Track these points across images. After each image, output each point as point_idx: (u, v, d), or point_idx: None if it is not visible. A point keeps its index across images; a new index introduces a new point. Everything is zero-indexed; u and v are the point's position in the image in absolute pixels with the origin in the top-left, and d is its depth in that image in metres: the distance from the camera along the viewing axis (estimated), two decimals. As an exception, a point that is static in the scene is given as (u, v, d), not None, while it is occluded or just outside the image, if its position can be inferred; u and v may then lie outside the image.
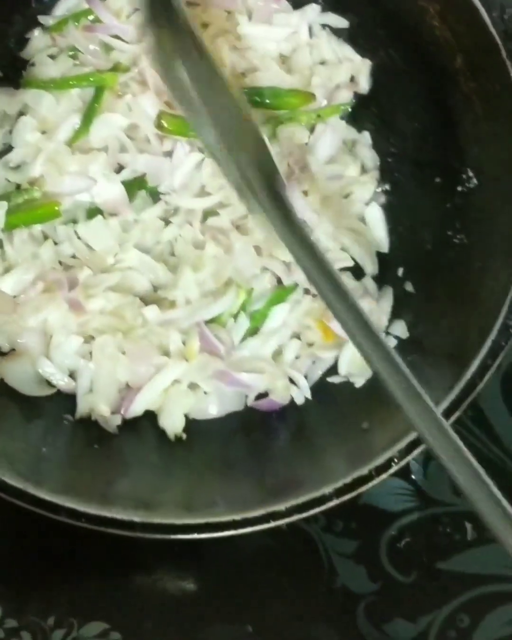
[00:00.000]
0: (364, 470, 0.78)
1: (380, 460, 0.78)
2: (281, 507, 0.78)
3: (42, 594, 1.00)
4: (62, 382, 0.90)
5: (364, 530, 1.01)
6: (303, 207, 0.90)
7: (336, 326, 0.88)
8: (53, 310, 0.87)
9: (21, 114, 0.97)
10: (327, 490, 0.78)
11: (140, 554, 1.01)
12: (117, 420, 0.89)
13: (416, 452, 0.78)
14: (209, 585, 1.01)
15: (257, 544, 1.01)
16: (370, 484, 0.78)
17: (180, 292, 0.91)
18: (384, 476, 0.78)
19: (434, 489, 1.02)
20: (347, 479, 0.78)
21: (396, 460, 0.78)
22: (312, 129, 0.96)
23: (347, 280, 0.93)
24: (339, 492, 0.78)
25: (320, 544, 1.01)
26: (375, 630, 0.99)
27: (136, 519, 0.78)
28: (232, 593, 1.00)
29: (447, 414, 0.78)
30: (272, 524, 0.78)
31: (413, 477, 1.02)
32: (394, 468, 0.78)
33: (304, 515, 0.78)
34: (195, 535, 0.78)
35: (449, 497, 1.01)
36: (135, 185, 0.95)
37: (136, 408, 0.89)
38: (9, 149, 0.97)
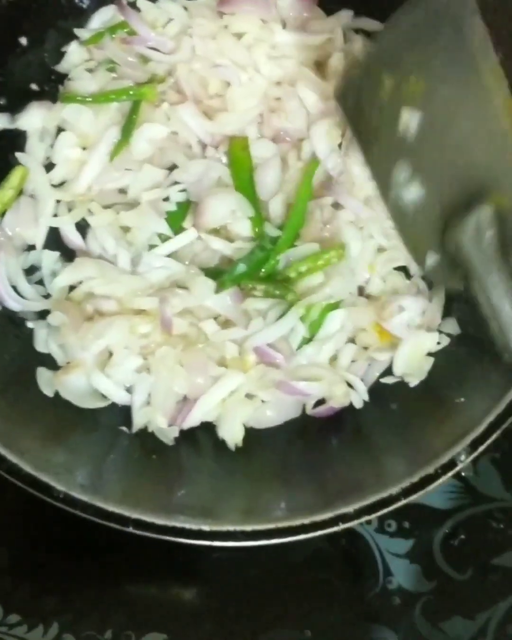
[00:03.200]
0: (429, 469, 0.78)
1: (445, 459, 0.79)
2: (349, 509, 0.78)
3: (98, 609, 1.00)
4: (118, 396, 0.90)
5: (417, 529, 1.01)
6: (356, 206, 0.90)
7: (391, 326, 0.89)
8: (115, 335, 0.87)
9: (60, 129, 0.97)
10: (394, 490, 0.78)
11: (196, 564, 1.01)
12: (174, 432, 0.89)
13: (481, 448, 0.78)
14: (265, 592, 1.00)
15: (311, 547, 1.01)
16: (437, 483, 0.78)
17: None
18: (450, 474, 0.79)
19: (484, 485, 1.02)
20: (414, 479, 0.78)
21: (462, 458, 0.78)
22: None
23: (399, 279, 0.93)
24: (406, 492, 0.78)
25: (374, 545, 1.01)
26: (434, 629, 0.99)
27: (205, 527, 0.78)
28: (288, 598, 1.00)
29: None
30: (341, 527, 0.78)
31: (463, 474, 1.02)
32: (460, 466, 0.79)
33: (373, 516, 0.78)
34: (265, 542, 0.78)
35: (501, 492, 1.02)
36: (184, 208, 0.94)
37: (194, 419, 0.89)
38: (51, 165, 0.97)
